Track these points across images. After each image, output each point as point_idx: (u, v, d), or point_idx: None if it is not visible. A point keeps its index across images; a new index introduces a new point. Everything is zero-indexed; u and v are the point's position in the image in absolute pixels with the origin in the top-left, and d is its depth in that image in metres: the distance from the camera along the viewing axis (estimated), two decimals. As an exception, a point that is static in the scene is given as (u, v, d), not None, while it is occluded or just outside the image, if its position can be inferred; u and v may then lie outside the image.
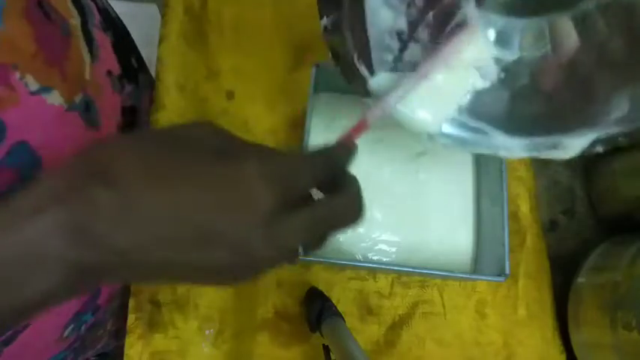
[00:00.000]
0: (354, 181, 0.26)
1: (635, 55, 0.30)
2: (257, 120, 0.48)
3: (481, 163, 0.46)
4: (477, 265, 0.44)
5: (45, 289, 0.20)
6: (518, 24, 0.33)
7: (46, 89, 0.29)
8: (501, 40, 0.34)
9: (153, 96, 0.48)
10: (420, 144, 0.46)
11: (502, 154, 0.34)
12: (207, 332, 0.42)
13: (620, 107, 0.31)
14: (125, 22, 0.51)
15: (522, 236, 0.47)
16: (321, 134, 0.45)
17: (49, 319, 0.38)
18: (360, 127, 0.28)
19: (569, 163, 0.52)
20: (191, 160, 0.21)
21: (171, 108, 0.47)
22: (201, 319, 0.42)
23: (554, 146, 0.33)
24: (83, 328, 0.43)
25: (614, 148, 0.40)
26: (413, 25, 0.33)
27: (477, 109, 0.35)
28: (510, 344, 0.44)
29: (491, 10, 0.33)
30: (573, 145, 0.32)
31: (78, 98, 0.33)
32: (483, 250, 0.44)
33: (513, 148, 0.34)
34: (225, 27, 0.51)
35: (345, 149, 0.27)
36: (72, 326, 0.41)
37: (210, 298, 0.43)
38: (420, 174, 0.46)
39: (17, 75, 0.27)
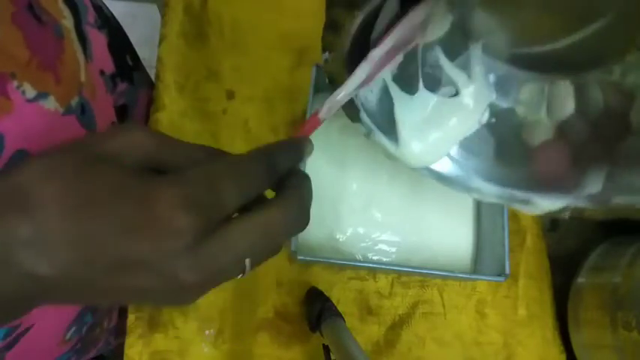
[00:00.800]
0: (302, 182, 0.24)
1: (622, 140, 0.31)
2: (257, 120, 0.48)
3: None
4: (477, 265, 0.44)
5: None
6: (519, 75, 0.33)
7: (42, 95, 0.29)
8: (499, 87, 0.34)
9: (153, 96, 0.48)
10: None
11: (474, 195, 0.35)
12: (207, 332, 0.42)
13: (595, 184, 0.31)
14: (125, 22, 0.50)
15: (522, 236, 0.47)
16: (321, 134, 0.45)
17: (52, 323, 0.38)
18: (313, 122, 0.27)
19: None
20: (109, 182, 0.20)
21: (172, 108, 0.47)
22: (201, 319, 0.42)
23: (525, 202, 0.34)
24: (84, 329, 0.43)
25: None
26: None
27: (464, 150, 0.36)
28: (510, 344, 0.44)
29: (495, 56, 0.33)
30: (542, 206, 0.33)
31: (74, 102, 0.33)
32: (483, 250, 0.44)
33: (487, 193, 0.35)
34: (225, 27, 0.51)
35: (293, 147, 0.25)
36: (74, 328, 0.41)
37: (210, 298, 0.43)
38: (419, 175, 0.46)
39: (15, 84, 0.27)
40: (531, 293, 0.46)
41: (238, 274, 0.22)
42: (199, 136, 0.47)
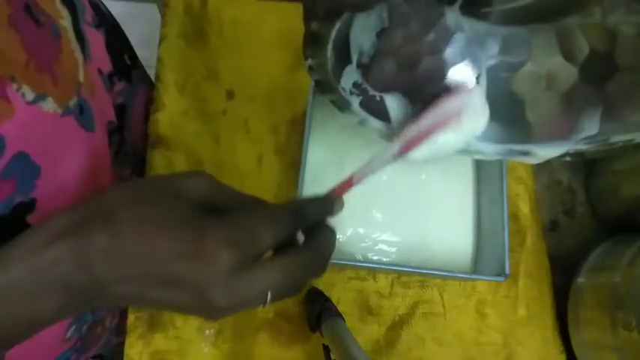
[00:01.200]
0: (325, 236, 0.29)
1: (611, 78, 0.31)
2: (257, 120, 0.48)
3: (481, 163, 0.46)
4: (477, 265, 0.44)
5: (52, 310, 0.24)
6: (500, 31, 0.34)
7: (41, 97, 0.29)
8: (481, 45, 0.34)
9: (153, 96, 0.48)
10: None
11: (475, 156, 0.36)
12: (207, 332, 0.42)
13: (592, 126, 0.32)
14: (125, 22, 0.50)
15: (522, 236, 0.47)
16: (320, 134, 0.45)
17: None
18: (346, 185, 0.31)
19: (569, 163, 0.52)
20: (176, 213, 0.25)
21: (172, 108, 0.47)
22: (201, 319, 0.42)
23: (525, 153, 0.35)
24: (84, 327, 0.43)
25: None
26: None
27: None
28: (510, 344, 0.44)
29: (473, 15, 0.33)
30: (542, 155, 0.34)
31: (72, 102, 0.33)
32: (483, 250, 0.44)
33: (486, 152, 0.36)
34: (225, 27, 0.51)
35: (323, 204, 0.30)
36: (74, 327, 0.41)
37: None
38: (420, 174, 0.46)
39: (14, 86, 0.27)
40: (531, 293, 0.46)
41: (260, 305, 0.26)
42: (199, 136, 0.47)
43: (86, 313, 0.42)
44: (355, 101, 0.34)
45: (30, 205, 0.30)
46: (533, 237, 0.47)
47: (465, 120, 0.32)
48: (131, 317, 0.42)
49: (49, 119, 0.30)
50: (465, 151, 0.36)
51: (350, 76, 0.33)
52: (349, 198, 0.46)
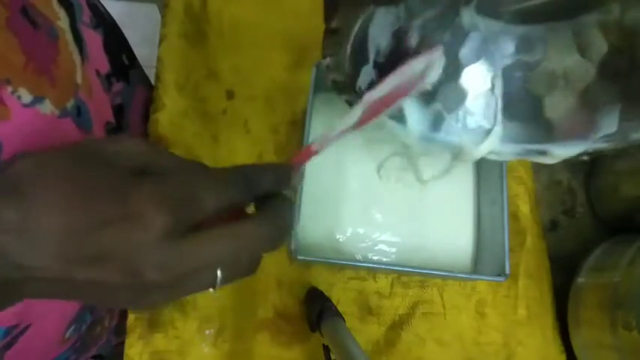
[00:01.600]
0: (281, 205, 0.25)
1: (631, 76, 0.31)
2: (257, 120, 0.48)
3: (481, 163, 0.46)
4: (477, 265, 0.44)
5: None
6: (516, 30, 0.33)
7: (38, 99, 0.29)
8: (497, 46, 0.34)
9: (153, 96, 0.48)
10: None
11: (491, 157, 0.35)
12: (207, 332, 0.42)
13: (610, 125, 0.31)
14: (125, 22, 0.50)
15: (522, 236, 0.47)
16: (321, 133, 0.45)
17: (51, 322, 0.38)
18: (306, 154, 0.27)
19: (569, 164, 0.52)
20: (100, 179, 0.21)
21: (171, 108, 0.47)
22: (201, 319, 0.42)
23: (542, 153, 0.34)
24: (83, 327, 0.43)
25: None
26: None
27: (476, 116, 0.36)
28: (510, 344, 0.44)
29: (489, 15, 0.33)
30: (560, 154, 0.33)
31: (69, 104, 0.33)
32: (483, 250, 0.44)
33: (503, 153, 0.35)
34: (225, 27, 0.51)
35: (278, 170, 0.25)
36: (73, 327, 0.41)
37: (210, 297, 0.43)
38: (420, 177, 0.46)
39: (9, 89, 0.27)
40: (531, 293, 0.46)
41: (208, 287, 0.22)
42: (199, 136, 0.47)
43: (85, 313, 0.42)
44: None
45: None
46: (533, 237, 0.47)
47: (429, 81, 0.29)
48: (131, 317, 0.42)
49: (46, 121, 0.30)
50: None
51: (367, 76, 0.32)
52: (349, 198, 0.46)
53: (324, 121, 0.46)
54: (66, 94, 0.33)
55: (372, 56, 0.32)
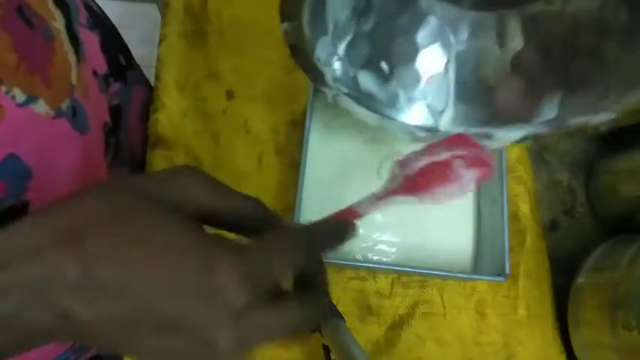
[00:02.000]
0: (323, 282, 0.25)
1: (571, 65, 0.32)
2: (257, 120, 0.48)
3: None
4: (477, 265, 0.44)
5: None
6: (469, 16, 0.35)
7: (32, 99, 0.29)
8: (452, 29, 0.36)
9: (152, 96, 0.48)
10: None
11: (441, 137, 0.37)
12: (207, 332, 0.42)
13: (551, 110, 0.33)
14: (125, 22, 0.50)
15: (522, 236, 0.47)
16: (321, 134, 0.45)
17: None
18: (349, 214, 0.28)
19: (569, 163, 0.52)
20: (167, 233, 0.19)
21: (171, 108, 0.47)
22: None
23: (488, 137, 0.35)
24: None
25: (614, 149, 0.40)
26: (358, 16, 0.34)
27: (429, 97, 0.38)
28: (510, 344, 0.44)
29: (446, 0, 0.34)
30: (504, 138, 0.35)
31: (65, 104, 0.33)
32: (483, 250, 0.44)
33: (452, 132, 0.37)
34: (225, 27, 0.51)
35: (342, 225, 0.25)
36: None
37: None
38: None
39: (3, 89, 0.27)
40: (531, 293, 0.46)
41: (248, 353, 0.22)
42: (199, 136, 0.47)
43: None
44: (329, 73, 0.34)
45: (23, 209, 0.30)
46: (533, 237, 0.47)
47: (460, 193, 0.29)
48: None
49: (40, 121, 0.30)
50: (433, 132, 0.36)
51: (325, 46, 0.33)
52: (349, 198, 0.46)
53: (324, 121, 0.46)
54: (61, 95, 0.32)
55: (330, 28, 0.32)
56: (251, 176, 0.46)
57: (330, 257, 0.41)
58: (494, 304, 0.45)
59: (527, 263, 0.46)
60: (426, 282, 0.45)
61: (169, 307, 0.19)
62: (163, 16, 0.50)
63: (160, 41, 0.49)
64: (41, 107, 0.30)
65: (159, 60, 0.49)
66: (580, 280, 0.44)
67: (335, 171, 0.45)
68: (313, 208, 0.42)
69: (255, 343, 0.21)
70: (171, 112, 0.47)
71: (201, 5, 0.51)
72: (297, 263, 0.22)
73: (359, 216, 0.28)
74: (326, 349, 0.37)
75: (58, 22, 0.34)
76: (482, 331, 0.45)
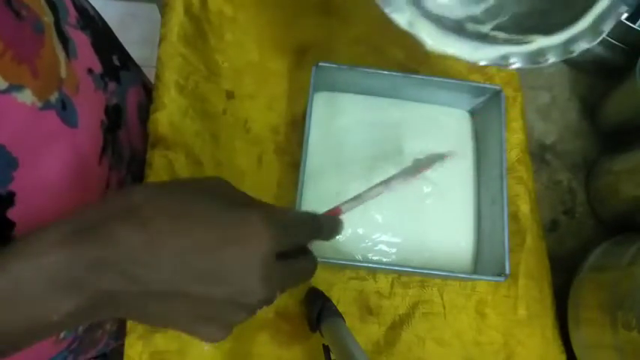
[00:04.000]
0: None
1: None
2: (257, 119, 0.48)
3: (481, 162, 0.46)
4: (477, 265, 0.44)
5: (64, 311, 0.23)
6: None
7: (16, 87, 0.29)
8: None
9: (152, 95, 0.48)
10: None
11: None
12: (207, 332, 0.42)
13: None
14: (125, 22, 0.50)
15: (522, 236, 0.47)
16: (321, 133, 0.45)
17: None
18: (335, 212, 0.34)
19: (569, 163, 0.52)
20: (207, 206, 0.25)
21: (171, 108, 0.47)
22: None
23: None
24: (80, 329, 0.43)
25: (614, 149, 0.40)
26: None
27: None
28: (510, 344, 0.44)
29: None
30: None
31: (53, 97, 0.33)
32: (483, 250, 0.44)
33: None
34: (225, 27, 0.51)
35: (334, 221, 0.33)
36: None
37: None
38: (420, 177, 0.45)
39: None
40: (531, 293, 0.46)
41: (270, 302, 0.28)
42: (199, 136, 0.47)
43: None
44: None
45: (8, 199, 0.30)
46: (533, 237, 0.47)
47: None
48: (131, 317, 0.42)
49: (25, 111, 0.30)
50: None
51: None
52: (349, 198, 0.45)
53: (324, 121, 0.46)
54: (49, 87, 0.32)
55: None
56: (251, 176, 0.46)
57: (331, 257, 0.41)
58: (494, 304, 0.45)
59: (527, 263, 0.46)
60: (426, 282, 0.45)
61: (210, 257, 0.24)
62: (163, 15, 0.50)
63: (160, 41, 0.49)
64: (27, 97, 0.30)
65: (159, 60, 0.49)
66: (580, 280, 0.44)
67: (335, 171, 0.45)
68: (313, 207, 0.42)
69: (279, 290, 0.27)
70: (172, 112, 0.47)
71: (201, 5, 0.51)
72: (312, 236, 0.30)
73: (341, 213, 0.34)
74: (326, 349, 0.37)
75: (48, 18, 0.34)
76: (482, 331, 0.45)
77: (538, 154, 0.52)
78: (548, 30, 0.34)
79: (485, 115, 0.46)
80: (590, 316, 0.42)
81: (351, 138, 0.46)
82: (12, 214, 0.30)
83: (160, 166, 0.45)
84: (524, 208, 0.48)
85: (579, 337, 0.43)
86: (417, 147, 0.46)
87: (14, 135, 0.29)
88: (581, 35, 0.33)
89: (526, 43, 0.34)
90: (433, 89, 0.46)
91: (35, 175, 0.31)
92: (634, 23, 0.47)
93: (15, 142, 0.29)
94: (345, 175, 0.45)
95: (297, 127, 0.48)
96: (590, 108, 0.54)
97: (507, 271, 0.38)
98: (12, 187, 0.30)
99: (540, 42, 0.33)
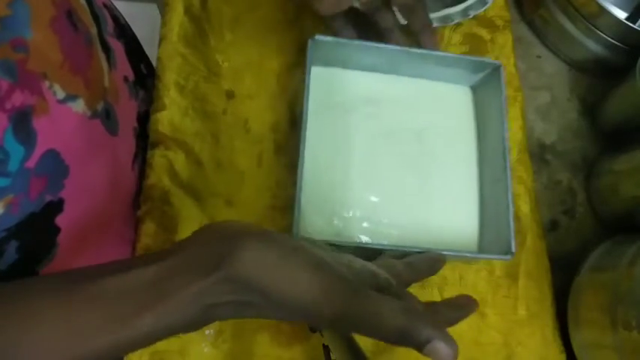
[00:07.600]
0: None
1: None
2: (257, 119, 0.48)
3: (482, 140, 0.46)
4: (482, 246, 0.44)
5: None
6: None
7: (72, 97, 0.30)
8: None
9: (152, 96, 0.48)
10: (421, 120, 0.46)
11: None
12: (207, 332, 0.42)
13: None
14: (125, 22, 0.51)
15: (522, 236, 0.47)
16: (321, 116, 0.45)
17: None
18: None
19: (569, 163, 0.52)
20: (303, 256, 0.26)
21: (172, 108, 0.47)
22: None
23: None
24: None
25: (614, 149, 0.40)
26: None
27: None
28: (510, 344, 0.44)
29: None
30: None
31: (100, 106, 0.34)
32: (488, 230, 0.44)
33: None
34: (225, 27, 0.51)
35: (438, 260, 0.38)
36: None
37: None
38: (422, 155, 0.45)
39: (47, 84, 0.27)
40: (531, 293, 0.46)
41: None
42: (199, 136, 0.47)
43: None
44: None
45: (58, 206, 0.31)
46: (533, 237, 0.47)
47: None
48: (131, 317, 0.42)
49: (78, 120, 0.31)
50: None
51: None
52: (350, 182, 0.45)
53: (324, 120, 0.46)
54: (97, 97, 0.34)
55: None
56: (251, 176, 0.46)
57: (333, 240, 0.40)
58: (494, 304, 0.45)
59: (527, 263, 0.46)
60: (426, 282, 0.45)
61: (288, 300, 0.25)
62: (163, 15, 0.50)
63: (160, 41, 0.49)
64: (80, 106, 0.31)
65: (159, 60, 0.49)
66: (580, 279, 0.44)
67: (336, 154, 0.44)
68: (313, 193, 0.42)
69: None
70: (172, 112, 0.47)
71: (201, 5, 0.51)
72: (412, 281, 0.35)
73: None
74: (326, 349, 0.37)
75: (94, 30, 0.36)
76: (482, 331, 0.45)
77: (538, 154, 0.52)
78: (452, 3, 0.49)
79: (486, 90, 0.46)
80: (590, 316, 0.42)
81: (351, 137, 0.46)
82: (60, 220, 0.31)
83: (160, 166, 0.45)
84: (524, 208, 0.48)
85: (579, 337, 0.43)
86: (419, 124, 0.45)
87: (67, 143, 0.30)
88: (474, 5, 0.49)
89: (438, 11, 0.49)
90: (432, 65, 0.46)
91: (82, 182, 0.32)
92: (634, 23, 0.47)
93: (68, 150, 0.30)
94: (347, 159, 0.44)
95: (296, 127, 0.48)
96: (590, 108, 0.54)
97: (513, 250, 0.38)
98: (62, 194, 0.30)
99: (447, 10, 0.49)
